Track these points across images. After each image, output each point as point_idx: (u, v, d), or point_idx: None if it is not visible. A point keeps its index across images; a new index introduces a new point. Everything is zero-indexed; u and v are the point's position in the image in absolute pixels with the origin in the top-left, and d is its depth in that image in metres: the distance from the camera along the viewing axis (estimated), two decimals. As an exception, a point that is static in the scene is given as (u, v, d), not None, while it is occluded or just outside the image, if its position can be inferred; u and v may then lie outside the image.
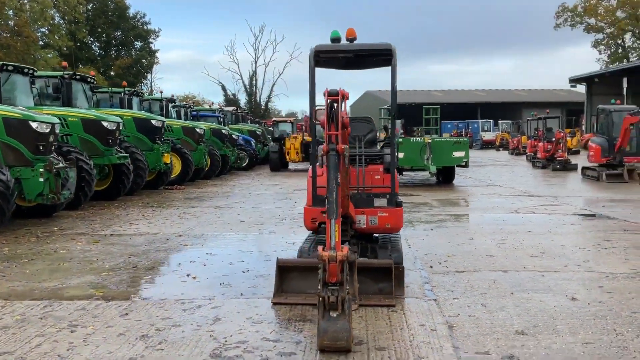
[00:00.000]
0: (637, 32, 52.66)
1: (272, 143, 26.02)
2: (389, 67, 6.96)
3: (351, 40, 6.00)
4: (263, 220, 10.21)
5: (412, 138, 19.96)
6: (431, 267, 6.53)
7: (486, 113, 61.94)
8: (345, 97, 4.27)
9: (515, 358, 3.86)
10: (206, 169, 19.37)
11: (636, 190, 15.18)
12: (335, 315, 3.91)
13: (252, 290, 5.63)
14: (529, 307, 4.98)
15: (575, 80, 42.62)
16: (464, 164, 17.39)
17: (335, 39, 6.09)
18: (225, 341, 4.22)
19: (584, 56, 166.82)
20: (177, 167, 17.35)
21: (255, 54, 66.17)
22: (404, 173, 19.63)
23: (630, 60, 51.79)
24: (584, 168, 20.16)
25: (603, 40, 55.31)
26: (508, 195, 14.19)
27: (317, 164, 4.09)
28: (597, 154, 19.32)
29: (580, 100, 54.07)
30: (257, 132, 29.01)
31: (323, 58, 6.15)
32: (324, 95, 4.24)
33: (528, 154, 29.58)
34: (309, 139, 26.33)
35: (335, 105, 4.14)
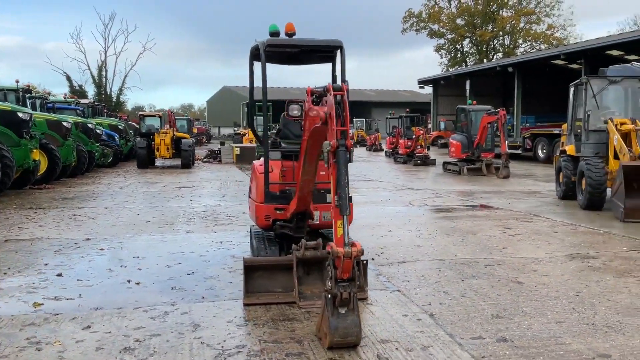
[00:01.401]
0: (474, 38, 57.91)
1: (138, 138, 24.70)
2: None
3: (290, 34, 5.96)
4: (169, 219, 9.72)
5: None
6: (372, 259, 6.71)
7: (340, 111, 64.06)
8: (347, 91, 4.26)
9: (509, 340, 4.13)
10: (72, 166, 17.89)
11: (497, 183, 16.76)
12: (344, 312, 3.90)
13: (211, 292, 5.38)
14: (487, 293, 5.34)
15: (423, 82, 45.75)
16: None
17: (274, 33, 6.01)
18: (222, 347, 4.01)
19: (426, 60, 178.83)
20: (43, 165, 15.82)
21: (105, 44, 62.07)
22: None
23: (468, 64, 56.87)
24: (445, 163, 21.80)
25: (444, 45, 60.14)
26: (392, 189, 14.93)
27: (323, 159, 3.97)
28: (458, 150, 21.00)
29: (421, 101, 58.18)
30: (120, 127, 27.35)
31: (268, 52, 6.03)
32: (327, 91, 4.17)
33: (386, 150, 31.27)
34: (179, 134, 25.48)
35: (343, 99, 4.10)
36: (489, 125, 19.89)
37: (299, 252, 5.05)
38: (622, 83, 12.07)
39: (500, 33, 57.14)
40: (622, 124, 10.86)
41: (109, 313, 4.76)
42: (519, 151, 28.00)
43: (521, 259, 6.68)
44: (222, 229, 8.81)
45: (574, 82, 12.66)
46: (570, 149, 12.32)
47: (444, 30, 58.63)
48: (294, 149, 6.40)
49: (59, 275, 5.99)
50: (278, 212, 5.88)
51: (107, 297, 5.23)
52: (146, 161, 23.45)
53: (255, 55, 6.37)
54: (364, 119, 54.82)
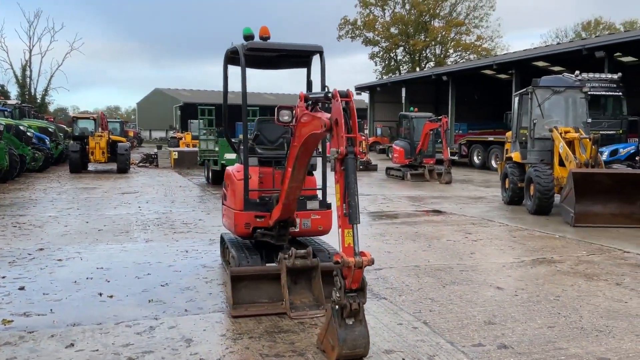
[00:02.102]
0: (407, 47, 59.26)
1: (71, 142, 23.63)
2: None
3: (265, 38, 5.85)
4: (123, 227, 9.29)
5: None
6: (348, 267, 6.64)
7: (276, 116, 63.90)
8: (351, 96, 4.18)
9: (509, 347, 4.18)
10: (4, 171, 16.84)
11: (441, 188, 17.14)
12: (351, 323, 3.81)
13: (193, 305, 5.15)
14: (472, 299, 5.40)
15: (360, 89, 46.34)
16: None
17: (249, 36, 5.88)
18: (224, 363, 3.83)
19: (361, 67, 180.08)
20: (-28, 169, 14.84)
21: (30, 42, 58.97)
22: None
23: (402, 72, 58.13)
24: (388, 168, 22.12)
25: (379, 53, 61.17)
26: (342, 195, 14.91)
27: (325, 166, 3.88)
28: (401, 156, 21.33)
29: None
30: (50, 129, 26.03)
31: (245, 56, 5.88)
32: (333, 97, 4.07)
33: (327, 155, 31.36)
34: (115, 137, 24.56)
35: (350, 106, 4.02)
36: (431, 132, 20.34)
37: (289, 261, 4.93)
38: (564, 93, 12.65)
39: (432, 43, 58.79)
40: (566, 132, 11.37)
41: (89, 329, 4.46)
42: (455, 157, 28.81)
43: (492, 264, 6.82)
44: (183, 237, 8.51)
45: (519, 92, 13.15)
46: (515, 156, 12.76)
47: (379, 39, 59.66)
48: (270, 154, 6.28)
49: (22, 289, 5.58)
50: (258, 219, 5.72)
51: (82, 312, 4.90)
52: (79, 165, 22.43)
53: (230, 58, 6.21)
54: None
